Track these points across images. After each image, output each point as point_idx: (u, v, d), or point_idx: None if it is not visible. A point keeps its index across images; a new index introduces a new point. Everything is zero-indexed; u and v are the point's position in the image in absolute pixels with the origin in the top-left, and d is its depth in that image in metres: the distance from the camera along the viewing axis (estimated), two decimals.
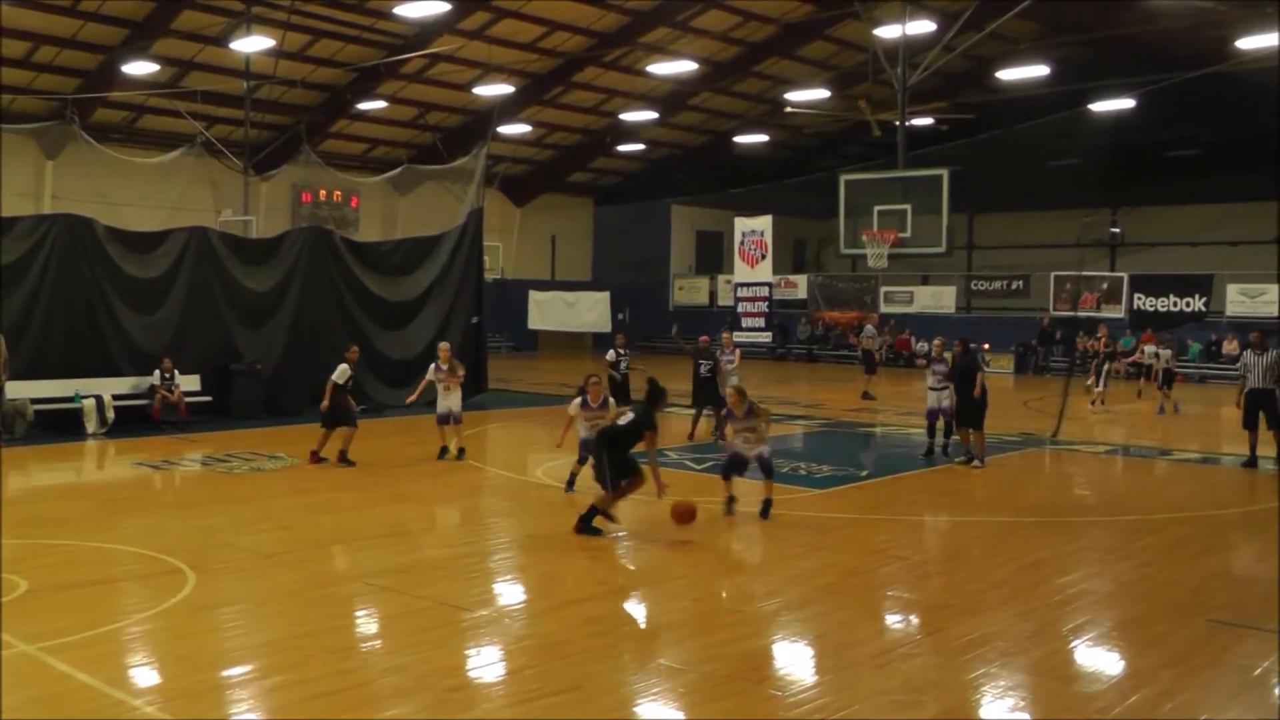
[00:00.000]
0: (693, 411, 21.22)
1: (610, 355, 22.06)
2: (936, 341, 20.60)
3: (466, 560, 11.81)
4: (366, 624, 9.74)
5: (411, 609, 9.76)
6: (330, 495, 15.23)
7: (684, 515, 12.44)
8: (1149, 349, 27.73)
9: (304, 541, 12.43)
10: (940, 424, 18.98)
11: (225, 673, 8.14)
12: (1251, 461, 18.34)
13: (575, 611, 9.77)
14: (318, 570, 11.16)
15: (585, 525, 12.54)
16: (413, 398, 18.69)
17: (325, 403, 17.31)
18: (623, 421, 12.73)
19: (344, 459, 17.15)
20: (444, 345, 18.81)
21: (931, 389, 18.91)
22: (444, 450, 18.08)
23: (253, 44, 29.92)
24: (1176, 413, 26.51)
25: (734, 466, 14.00)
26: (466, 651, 8.81)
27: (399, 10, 29.03)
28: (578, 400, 14.86)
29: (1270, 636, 9.26)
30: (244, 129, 31.99)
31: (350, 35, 33.19)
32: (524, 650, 8.79)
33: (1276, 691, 8.17)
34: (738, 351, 21.13)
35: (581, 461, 14.80)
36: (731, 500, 13.95)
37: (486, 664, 8.62)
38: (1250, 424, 18.30)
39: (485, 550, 12.54)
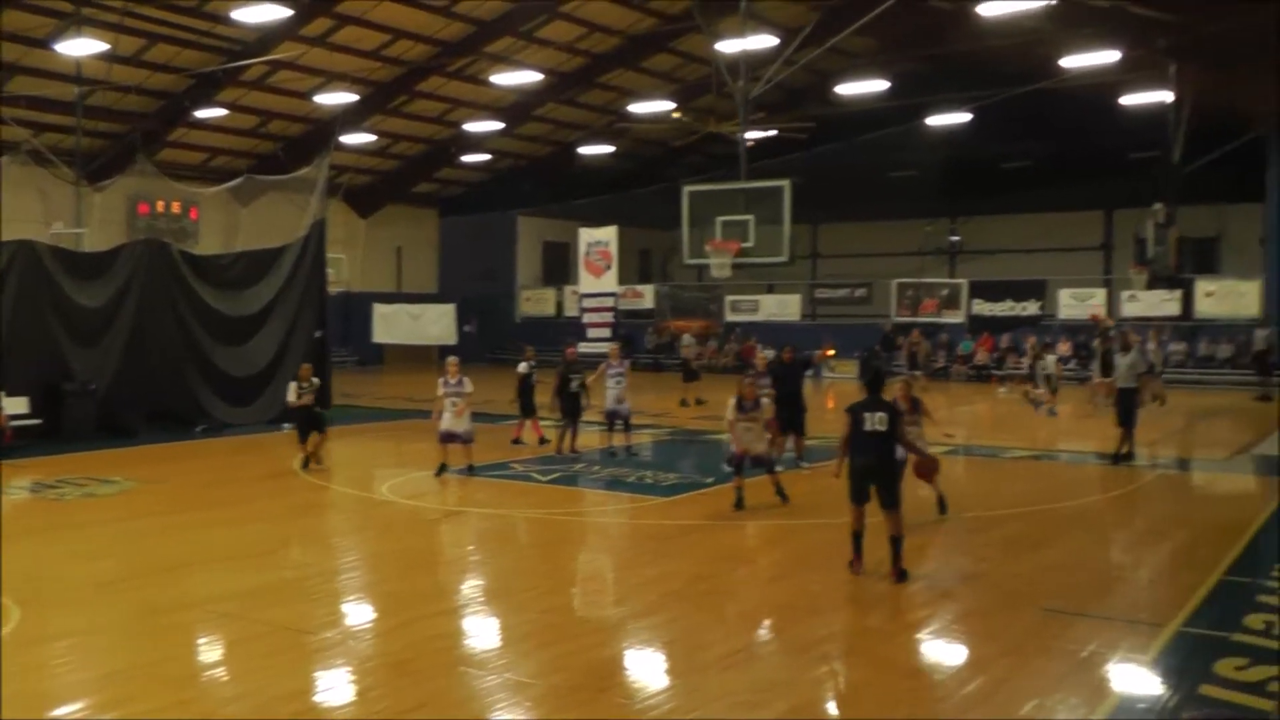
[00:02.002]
0: (559, 425, 20.56)
1: (522, 368, 21.42)
2: (762, 355, 20.88)
3: (310, 581, 11.58)
4: (207, 652, 9.49)
5: (254, 634, 9.54)
6: (169, 518, 14.77)
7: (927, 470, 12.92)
8: (1050, 358, 28.35)
9: (140, 568, 11.98)
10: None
11: (56, 711, 7.85)
12: (1126, 455, 19.03)
13: (421, 629, 9.67)
14: (155, 598, 10.74)
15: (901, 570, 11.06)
16: (434, 419, 18.01)
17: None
18: (883, 428, 11.26)
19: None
20: (452, 359, 18.21)
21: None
22: (443, 467, 17.69)
23: (83, 47, 28.94)
24: (1053, 415, 27.10)
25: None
26: (311, 675, 8.65)
27: (238, 15, 28.38)
28: (733, 402, 14.65)
29: (1097, 622, 9.65)
30: (75, 137, 31.03)
31: (187, 40, 32.35)
32: (370, 671, 8.68)
33: (1103, 672, 8.51)
34: (626, 364, 20.93)
35: (737, 471, 14.71)
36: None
37: (331, 687, 8.48)
38: (1122, 421, 19.01)
39: (329, 570, 12.31)
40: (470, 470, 17.75)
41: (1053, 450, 22.03)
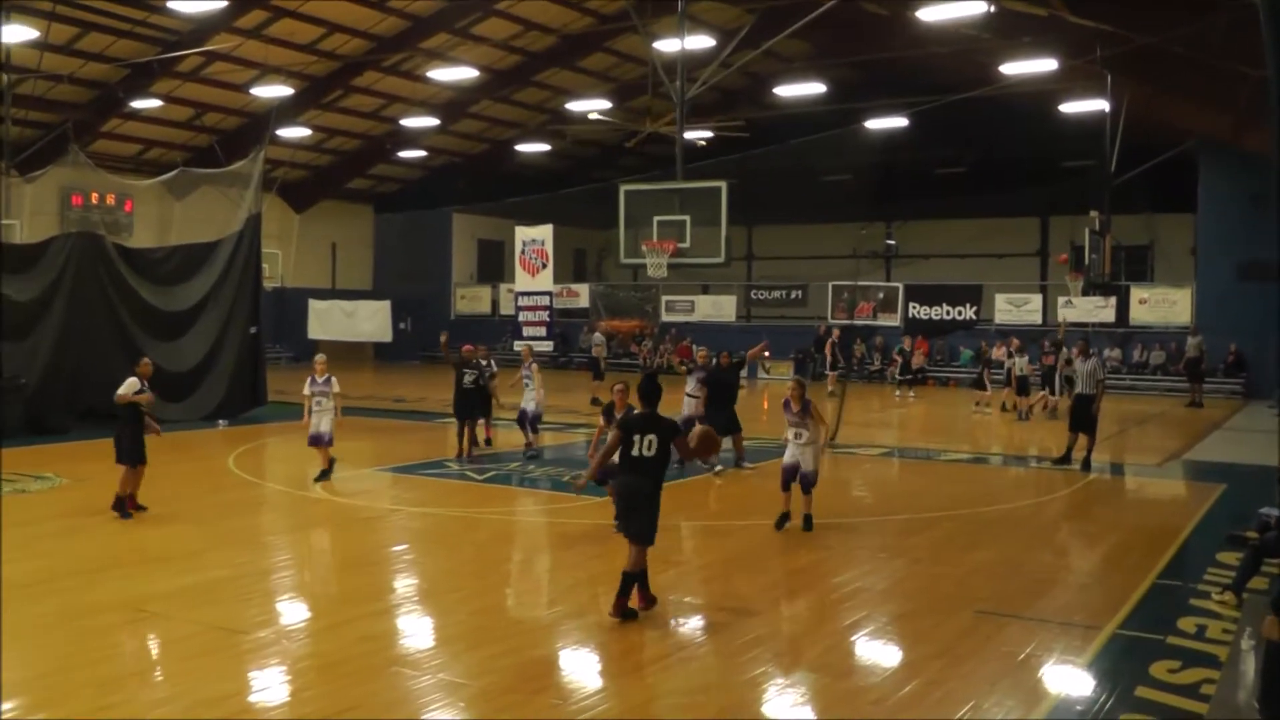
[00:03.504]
0: (455, 424, 20.15)
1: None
2: (700, 350, 20.93)
3: (242, 581, 11.35)
4: (136, 653, 9.28)
5: (184, 634, 9.35)
6: (98, 518, 14.32)
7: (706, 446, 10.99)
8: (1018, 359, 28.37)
9: (67, 569, 11.66)
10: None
11: None
12: (1065, 459, 19.25)
13: (353, 629, 9.53)
14: (83, 599, 10.47)
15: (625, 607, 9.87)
16: (305, 420, 17.09)
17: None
18: (651, 453, 10.00)
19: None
20: (320, 357, 17.41)
21: (689, 395, 19.12)
22: (324, 473, 16.87)
23: (13, 34, 28.36)
24: (1023, 419, 27.26)
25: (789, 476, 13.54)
26: (241, 677, 8.48)
27: (173, 4, 28.00)
28: (602, 411, 13.85)
29: (1031, 624, 9.70)
30: (4, 126, 30.42)
31: (122, 30, 31.93)
32: (301, 672, 8.55)
33: (1039, 674, 8.56)
34: (535, 365, 20.61)
35: (602, 483, 13.53)
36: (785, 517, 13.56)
37: (262, 688, 8.33)
38: (1075, 426, 19.11)
39: (261, 570, 12.10)
40: (325, 475, 16.99)
41: (987, 453, 22.23)
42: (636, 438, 9.97)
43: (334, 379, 17.03)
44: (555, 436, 22.15)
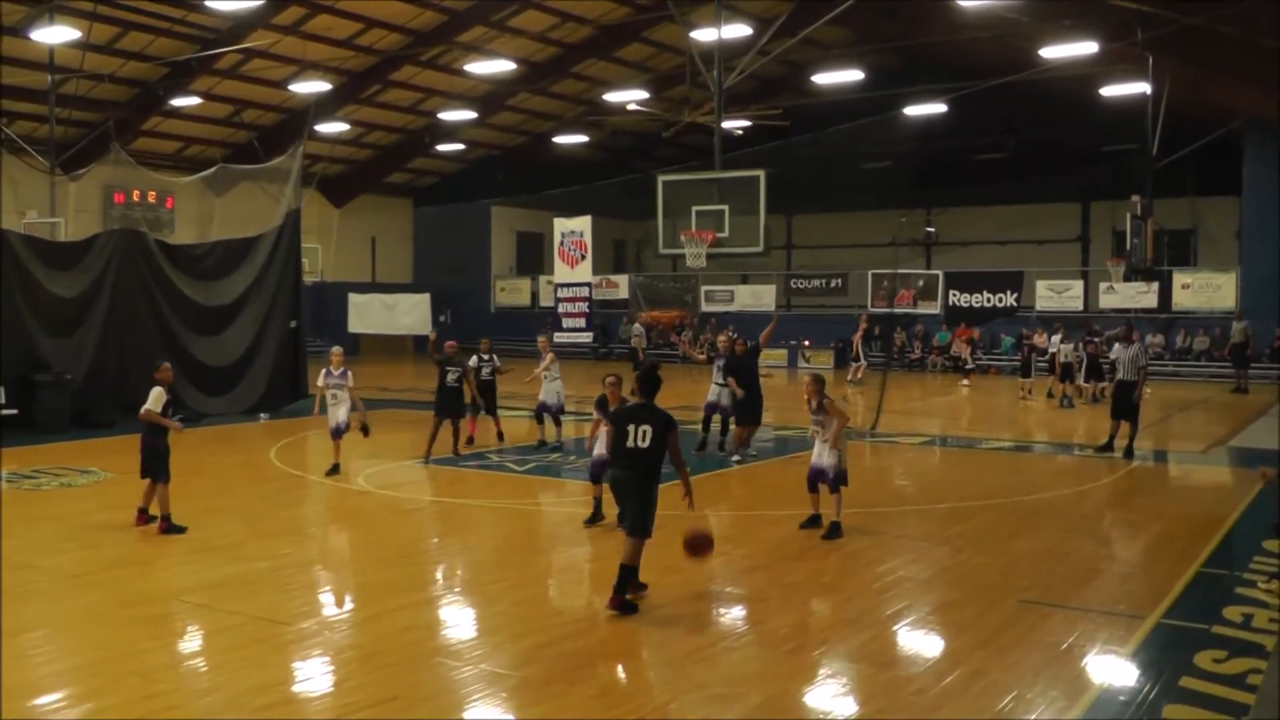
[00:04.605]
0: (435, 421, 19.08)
1: (472, 361, 20.09)
2: (721, 338, 20.85)
3: (284, 572, 11.43)
4: (180, 643, 9.38)
5: (227, 625, 9.42)
6: None
7: (699, 545, 10.07)
8: (1056, 341, 28.23)
9: (113, 560, 11.83)
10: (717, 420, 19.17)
11: (29, 703, 7.66)
12: (1108, 447, 19.11)
13: (395, 620, 9.58)
14: (128, 589, 10.63)
15: (622, 601, 9.78)
16: (316, 412, 17.23)
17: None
18: (645, 444, 9.89)
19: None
20: (336, 350, 17.30)
21: (716, 383, 19.08)
22: (335, 467, 16.89)
23: (56, 35, 28.72)
24: (1067, 406, 27.18)
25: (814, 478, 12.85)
26: (283, 667, 8.53)
27: (211, 3, 28.22)
28: (596, 404, 13.28)
29: (1075, 613, 9.62)
30: (49, 125, 30.74)
31: (161, 28, 32.21)
32: (343, 662, 8.60)
33: (1082, 664, 8.47)
34: (550, 356, 20.11)
35: (595, 480, 13.22)
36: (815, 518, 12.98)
37: (304, 679, 8.37)
38: (1117, 413, 19.01)
39: (303, 561, 12.18)
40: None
41: (1030, 441, 22.08)
42: (630, 428, 9.84)
43: (349, 372, 16.99)
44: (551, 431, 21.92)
